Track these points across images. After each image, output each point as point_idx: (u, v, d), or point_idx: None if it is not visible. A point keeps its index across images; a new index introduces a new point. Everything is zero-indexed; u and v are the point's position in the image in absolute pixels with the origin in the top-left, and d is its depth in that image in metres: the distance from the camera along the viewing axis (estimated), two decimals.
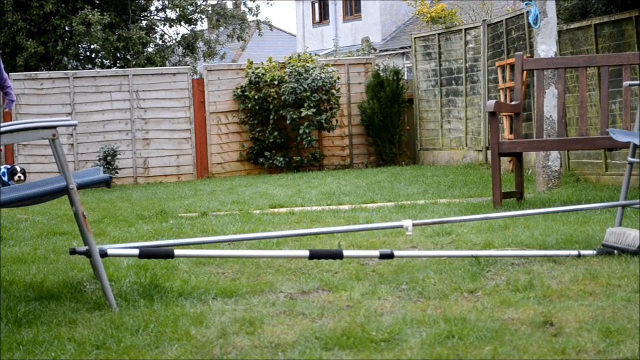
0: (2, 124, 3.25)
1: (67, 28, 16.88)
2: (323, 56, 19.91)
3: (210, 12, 19.86)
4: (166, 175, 13.43)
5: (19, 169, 9.46)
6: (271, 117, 13.41)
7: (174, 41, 19.41)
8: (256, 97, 13.42)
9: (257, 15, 21.01)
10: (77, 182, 3.26)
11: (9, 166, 9.40)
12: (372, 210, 6.60)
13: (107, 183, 3.52)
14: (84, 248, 3.44)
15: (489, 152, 11.42)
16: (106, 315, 3.13)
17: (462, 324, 2.79)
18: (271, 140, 13.45)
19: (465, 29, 12.88)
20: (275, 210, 7.02)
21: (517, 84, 7.21)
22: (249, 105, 13.52)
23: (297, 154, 13.61)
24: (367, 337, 2.70)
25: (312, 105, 13.20)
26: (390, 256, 3.81)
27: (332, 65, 13.99)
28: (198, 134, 13.61)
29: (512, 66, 10.57)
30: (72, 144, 13.12)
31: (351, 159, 14.12)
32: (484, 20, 12.46)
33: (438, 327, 2.78)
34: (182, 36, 19.37)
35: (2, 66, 8.63)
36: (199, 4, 19.33)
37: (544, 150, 7.52)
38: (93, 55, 18.12)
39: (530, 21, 7.86)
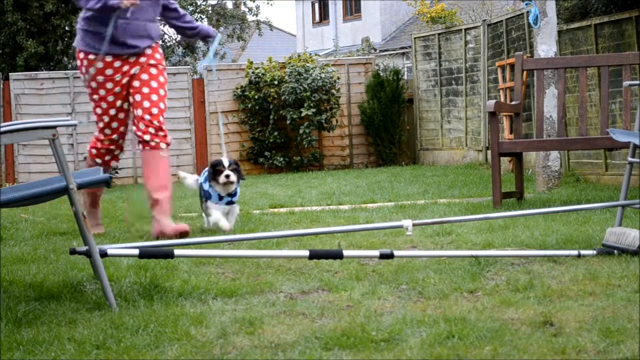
0: (2, 124, 3.25)
1: (67, 28, 16.86)
2: (323, 56, 19.91)
3: (210, 12, 19.87)
4: None
5: (226, 163, 5.39)
6: (271, 117, 13.41)
7: (173, 41, 19.41)
8: (256, 97, 13.42)
9: (257, 15, 21.03)
10: (77, 182, 3.26)
11: (206, 191, 5.55)
12: (372, 210, 6.60)
13: (107, 183, 3.52)
14: (84, 248, 3.44)
15: (489, 152, 11.42)
16: (106, 315, 3.13)
17: (462, 324, 2.79)
18: (271, 140, 13.45)
19: (465, 29, 12.88)
20: (275, 210, 7.02)
21: (517, 84, 7.21)
22: (249, 105, 13.53)
23: (297, 154, 13.61)
24: (367, 337, 2.70)
25: (312, 105, 13.21)
26: (390, 256, 3.81)
27: (332, 65, 14.00)
28: (198, 134, 13.61)
29: (512, 66, 10.57)
30: (72, 144, 13.13)
31: (351, 159, 14.12)
32: (484, 20, 12.46)
33: (438, 327, 2.78)
34: None
35: None
36: (199, 4, 19.34)
37: (544, 150, 7.52)
38: None
39: (530, 21, 7.86)
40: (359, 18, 32.92)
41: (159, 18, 5.52)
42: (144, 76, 5.34)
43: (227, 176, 5.33)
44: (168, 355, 2.62)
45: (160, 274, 3.87)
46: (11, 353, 2.69)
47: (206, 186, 5.47)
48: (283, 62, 13.78)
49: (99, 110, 5.38)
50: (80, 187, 3.28)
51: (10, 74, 13.61)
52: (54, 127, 3.22)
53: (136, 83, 5.32)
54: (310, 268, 3.98)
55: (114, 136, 5.45)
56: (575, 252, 3.97)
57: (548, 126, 7.54)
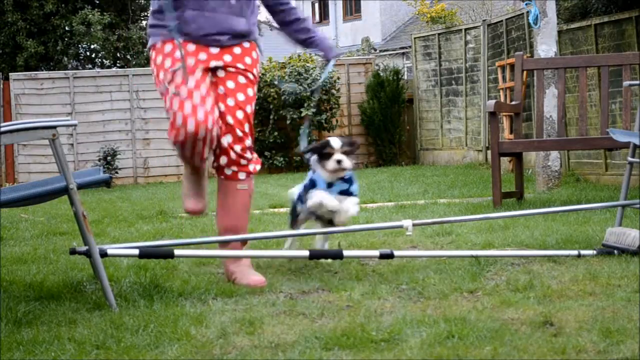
0: (2, 124, 3.25)
1: (67, 28, 16.88)
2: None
3: None
4: (166, 175, 13.42)
5: (337, 144, 3.96)
6: (271, 117, 13.42)
7: None
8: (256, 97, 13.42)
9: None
10: (77, 182, 3.26)
11: (309, 181, 4.35)
12: (372, 210, 6.60)
13: (107, 183, 3.52)
14: (84, 248, 3.44)
15: (489, 152, 11.42)
16: (106, 315, 3.12)
17: (462, 324, 2.79)
18: (271, 140, 13.46)
19: (465, 29, 12.88)
20: (275, 210, 7.02)
21: (517, 84, 7.20)
22: None
23: (297, 154, 13.62)
24: (367, 337, 2.70)
25: (312, 105, 13.21)
26: (390, 256, 3.81)
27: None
28: None
29: (512, 66, 10.57)
30: (72, 144, 13.12)
31: None
32: (484, 20, 12.46)
33: (438, 327, 2.77)
34: None
35: None
36: None
37: (544, 150, 7.52)
38: (93, 55, 18.12)
39: (530, 21, 7.86)
40: (359, 18, 32.92)
41: (268, 21, 4.43)
42: (230, 84, 3.96)
43: (339, 161, 3.92)
44: (168, 355, 2.62)
45: (160, 274, 3.87)
46: (11, 353, 2.69)
47: (307, 183, 4.24)
48: (283, 62, 13.79)
49: (169, 104, 3.85)
50: (80, 187, 3.28)
51: (10, 74, 13.61)
52: (54, 127, 3.22)
53: (220, 89, 3.94)
54: (310, 268, 3.98)
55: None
56: (575, 252, 3.97)
57: (548, 126, 7.53)
